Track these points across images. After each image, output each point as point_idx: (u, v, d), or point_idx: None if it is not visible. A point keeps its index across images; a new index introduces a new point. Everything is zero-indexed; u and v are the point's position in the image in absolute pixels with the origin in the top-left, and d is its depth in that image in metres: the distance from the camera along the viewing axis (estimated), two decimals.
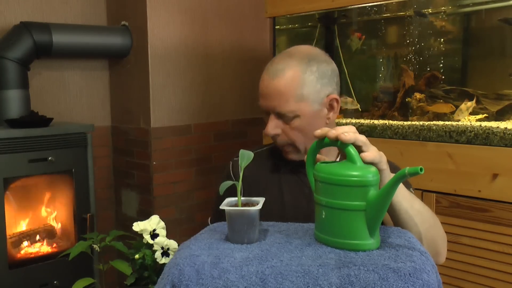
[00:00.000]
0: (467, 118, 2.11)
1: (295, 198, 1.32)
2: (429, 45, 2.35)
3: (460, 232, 1.95)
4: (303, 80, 1.23)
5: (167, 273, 0.87)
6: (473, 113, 2.15)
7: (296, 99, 1.23)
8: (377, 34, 2.59)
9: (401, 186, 1.06)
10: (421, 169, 0.82)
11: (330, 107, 1.28)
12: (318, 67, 1.25)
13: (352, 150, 0.94)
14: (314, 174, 0.97)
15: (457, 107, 2.16)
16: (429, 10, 2.33)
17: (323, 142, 1.01)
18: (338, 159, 1.34)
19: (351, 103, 2.36)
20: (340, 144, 0.96)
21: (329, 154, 1.33)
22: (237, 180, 1.35)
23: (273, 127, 1.26)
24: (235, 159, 1.40)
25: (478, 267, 1.91)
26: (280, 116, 1.25)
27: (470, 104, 2.08)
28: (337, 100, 1.28)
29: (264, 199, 1.00)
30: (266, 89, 1.25)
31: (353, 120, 2.40)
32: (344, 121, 2.42)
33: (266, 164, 1.37)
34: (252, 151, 1.42)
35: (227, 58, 3.13)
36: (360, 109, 2.43)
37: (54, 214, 2.60)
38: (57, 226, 2.61)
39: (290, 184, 1.33)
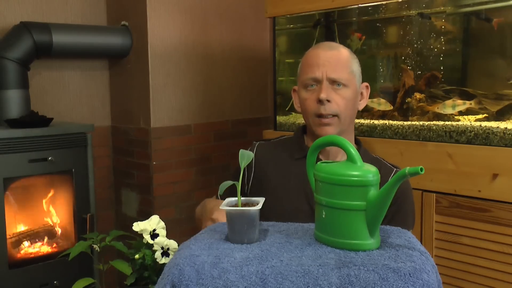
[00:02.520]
0: (467, 118, 2.11)
1: (301, 186, 1.36)
2: (429, 45, 2.35)
3: (460, 232, 1.95)
4: (353, 59, 1.41)
5: (167, 273, 0.87)
6: (473, 113, 2.15)
7: (349, 70, 1.37)
8: (377, 34, 2.59)
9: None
10: (421, 169, 0.82)
11: (361, 95, 1.45)
12: (356, 58, 1.44)
13: (352, 150, 0.94)
14: (314, 174, 0.97)
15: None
16: (430, 10, 2.33)
17: (323, 142, 1.01)
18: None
19: (385, 104, 2.33)
20: (340, 145, 0.96)
21: (330, 154, 1.36)
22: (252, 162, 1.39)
23: (327, 93, 1.34)
24: (254, 142, 1.53)
25: (478, 267, 1.91)
26: (334, 82, 1.35)
27: (461, 103, 2.09)
28: (367, 87, 1.46)
29: (264, 199, 1.00)
30: (323, 58, 1.36)
31: None
32: None
33: (280, 150, 1.46)
34: (270, 140, 1.52)
35: (227, 58, 3.13)
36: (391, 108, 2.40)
37: (54, 214, 2.60)
38: (57, 226, 2.61)
39: (298, 173, 1.38)
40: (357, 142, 1.46)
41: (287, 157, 1.43)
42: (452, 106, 2.10)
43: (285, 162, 1.42)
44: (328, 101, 1.33)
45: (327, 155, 1.40)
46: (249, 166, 1.44)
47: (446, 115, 2.14)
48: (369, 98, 2.34)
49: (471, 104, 2.09)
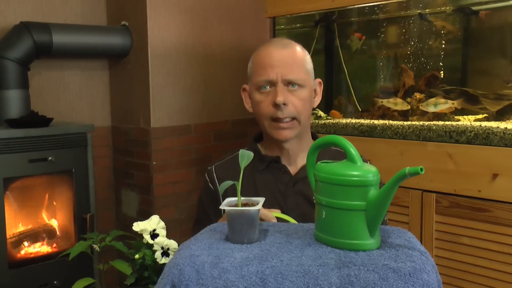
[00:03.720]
0: (467, 118, 2.11)
1: (271, 195, 1.33)
2: (429, 45, 2.35)
3: (460, 232, 1.95)
4: (307, 57, 1.36)
5: (167, 273, 0.87)
6: (473, 113, 2.15)
7: (304, 69, 1.32)
8: (377, 34, 2.59)
9: None
10: (421, 169, 0.82)
11: (314, 92, 1.39)
12: (308, 53, 1.39)
13: (352, 150, 0.94)
14: (314, 174, 0.97)
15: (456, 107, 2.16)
16: (430, 10, 2.33)
17: (323, 142, 1.01)
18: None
19: (401, 104, 2.31)
20: (340, 145, 0.96)
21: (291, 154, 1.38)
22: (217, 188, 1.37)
23: (284, 96, 1.29)
24: (209, 168, 1.46)
25: (478, 267, 1.91)
26: (289, 84, 1.30)
27: (443, 101, 2.10)
28: (320, 84, 1.41)
29: (264, 199, 1.00)
30: (276, 58, 1.31)
31: (353, 120, 2.40)
32: (344, 121, 2.42)
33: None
34: (224, 158, 1.46)
35: (227, 58, 3.13)
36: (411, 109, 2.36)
37: (54, 214, 2.60)
38: (57, 226, 2.61)
39: (265, 183, 1.37)
40: (314, 138, 1.42)
41: (249, 170, 1.33)
42: (434, 104, 2.11)
43: (249, 176, 1.36)
44: (285, 104, 1.29)
45: (288, 156, 1.37)
46: (214, 193, 1.40)
47: (446, 115, 2.15)
48: (386, 98, 2.35)
49: (453, 103, 2.10)
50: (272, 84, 1.31)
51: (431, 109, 2.12)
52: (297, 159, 1.38)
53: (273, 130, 1.33)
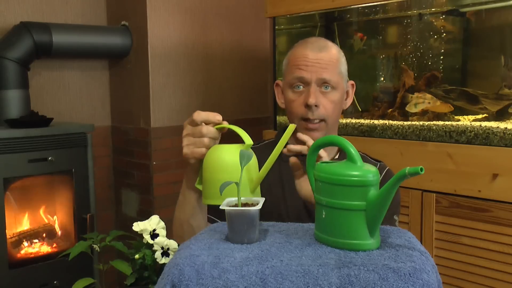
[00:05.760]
0: (466, 118, 2.11)
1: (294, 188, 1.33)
2: (429, 45, 2.35)
3: (460, 232, 1.95)
4: (342, 59, 1.37)
5: (167, 273, 0.87)
6: (472, 113, 2.15)
7: (338, 72, 1.33)
8: (377, 34, 2.59)
9: None
10: (421, 169, 0.82)
11: (347, 94, 1.40)
12: (344, 55, 1.39)
13: (352, 150, 0.94)
14: (314, 173, 0.97)
15: (456, 107, 2.16)
16: (429, 10, 2.33)
17: (323, 142, 1.01)
18: (337, 156, 1.37)
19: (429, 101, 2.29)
20: (340, 145, 0.96)
21: (328, 151, 1.36)
22: None
23: (316, 97, 1.31)
24: None
25: (478, 267, 1.91)
26: (322, 85, 1.31)
27: (421, 101, 2.11)
28: (353, 86, 1.42)
29: (264, 199, 1.00)
30: (312, 60, 1.31)
31: (353, 120, 2.40)
32: (344, 121, 2.42)
33: (267, 154, 1.29)
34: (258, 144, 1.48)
35: (227, 58, 3.13)
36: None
37: (54, 214, 2.60)
38: (57, 226, 2.61)
39: (290, 171, 1.35)
40: None
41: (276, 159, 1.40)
42: (414, 104, 2.13)
43: (276, 164, 1.37)
44: (316, 106, 1.31)
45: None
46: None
47: (446, 114, 2.15)
48: (413, 94, 2.34)
49: (429, 102, 2.12)
50: (306, 83, 1.32)
51: (413, 109, 2.14)
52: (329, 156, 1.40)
53: (302, 130, 1.35)
